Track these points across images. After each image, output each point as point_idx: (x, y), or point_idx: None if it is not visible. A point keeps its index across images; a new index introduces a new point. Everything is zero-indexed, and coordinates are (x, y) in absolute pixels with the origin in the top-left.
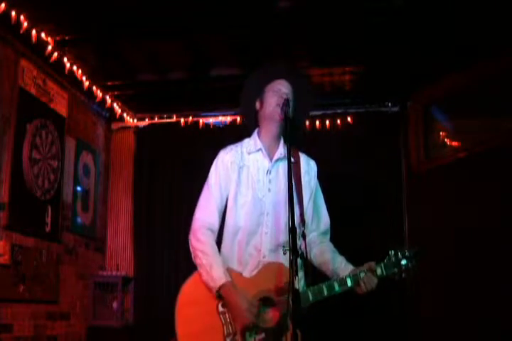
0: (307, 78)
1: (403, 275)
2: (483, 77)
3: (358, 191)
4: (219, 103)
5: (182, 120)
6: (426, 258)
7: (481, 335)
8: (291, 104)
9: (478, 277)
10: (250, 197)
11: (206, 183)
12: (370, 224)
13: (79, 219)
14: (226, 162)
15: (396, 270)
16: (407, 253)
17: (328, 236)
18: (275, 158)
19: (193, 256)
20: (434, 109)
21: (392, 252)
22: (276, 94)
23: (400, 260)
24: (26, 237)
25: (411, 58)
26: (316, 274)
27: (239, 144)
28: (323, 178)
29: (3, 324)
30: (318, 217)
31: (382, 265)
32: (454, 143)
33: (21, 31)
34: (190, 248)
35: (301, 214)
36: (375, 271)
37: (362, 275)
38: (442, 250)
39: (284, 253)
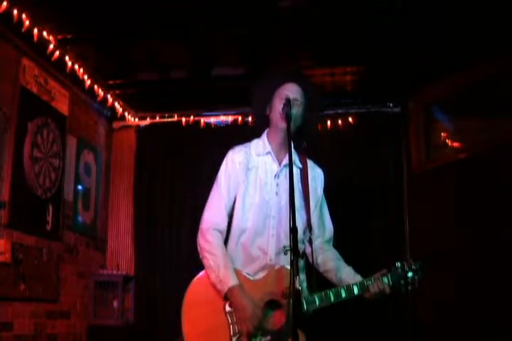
0: (313, 85)
1: (409, 287)
2: (484, 77)
3: (359, 191)
4: (220, 102)
5: (183, 119)
6: (426, 259)
7: (480, 336)
8: (299, 108)
9: (479, 277)
10: (257, 198)
11: (215, 183)
12: (370, 225)
13: (80, 218)
14: (235, 162)
15: (402, 282)
16: (413, 266)
17: (332, 244)
18: (284, 162)
19: (200, 256)
20: (435, 109)
21: (399, 264)
22: (283, 101)
23: (407, 272)
24: (27, 236)
25: (412, 58)
26: (319, 279)
27: (248, 145)
28: (324, 178)
29: (3, 322)
30: (323, 224)
31: (389, 276)
32: (455, 144)
33: (23, 30)
34: (198, 248)
35: (308, 220)
36: (382, 280)
37: (368, 283)
38: (443, 250)
39: (285, 254)
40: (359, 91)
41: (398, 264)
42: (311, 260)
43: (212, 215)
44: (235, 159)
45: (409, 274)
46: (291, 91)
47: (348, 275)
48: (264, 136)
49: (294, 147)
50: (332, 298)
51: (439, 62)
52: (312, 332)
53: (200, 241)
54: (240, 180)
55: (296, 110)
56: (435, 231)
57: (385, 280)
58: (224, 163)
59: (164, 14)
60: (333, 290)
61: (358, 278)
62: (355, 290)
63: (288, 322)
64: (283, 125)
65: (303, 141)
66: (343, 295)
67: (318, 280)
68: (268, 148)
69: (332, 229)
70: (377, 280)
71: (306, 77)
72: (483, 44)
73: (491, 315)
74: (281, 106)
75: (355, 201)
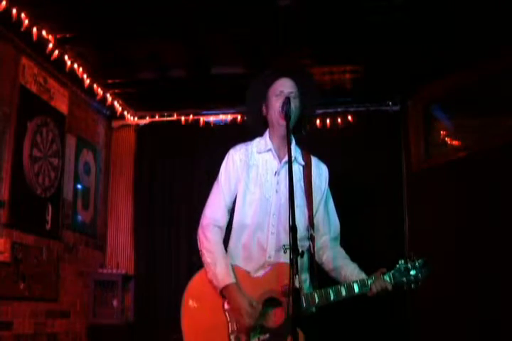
0: (310, 75)
1: (412, 286)
2: (484, 76)
3: (358, 190)
4: (220, 101)
5: (182, 118)
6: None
7: (481, 335)
8: (295, 101)
9: (478, 277)
10: (258, 195)
11: (216, 180)
12: (370, 224)
13: (79, 217)
14: (236, 160)
15: (405, 280)
16: (416, 264)
17: (339, 242)
18: (285, 159)
19: (200, 253)
20: (435, 108)
21: (402, 261)
22: (280, 98)
23: (410, 270)
24: (26, 235)
25: (412, 57)
26: (322, 277)
27: (249, 143)
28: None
29: (3, 321)
30: (329, 220)
31: (391, 274)
32: (455, 142)
33: (22, 29)
34: (198, 244)
35: (310, 217)
36: (383, 278)
37: (369, 282)
38: (442, 250)
39: (285, 252)
40: (358, 90)
41: (401, 261)
42: (316, 257)
43: (212, 211)
44: (235, 156)
45: (412, 272)
46: (284, 86)
47: (351, 273)
48: (266, 134)
49: (296, 143)
50: (332, 297)
51: (438, 60)
52: (311, 330)
53: (200, 236)
54: (240, 177)
55: (294, 103)
56: (434, 230)
57: (387, 278)
58: (225, 160)
59: (163, 13)
60: (333, 288)
61: (363, 276)
62: (356, 289)
63: (287, 320)
64: (283, 122)
65: (302, 133)
66: (343, 293)
67: (323, 279)
68: (269, 145)
69: (338, 226)
70: (378, 278)
71: (301, 70)
72: (483, 43)
73: (491, 313)
74: (280, 103)
75: (354, 200)
